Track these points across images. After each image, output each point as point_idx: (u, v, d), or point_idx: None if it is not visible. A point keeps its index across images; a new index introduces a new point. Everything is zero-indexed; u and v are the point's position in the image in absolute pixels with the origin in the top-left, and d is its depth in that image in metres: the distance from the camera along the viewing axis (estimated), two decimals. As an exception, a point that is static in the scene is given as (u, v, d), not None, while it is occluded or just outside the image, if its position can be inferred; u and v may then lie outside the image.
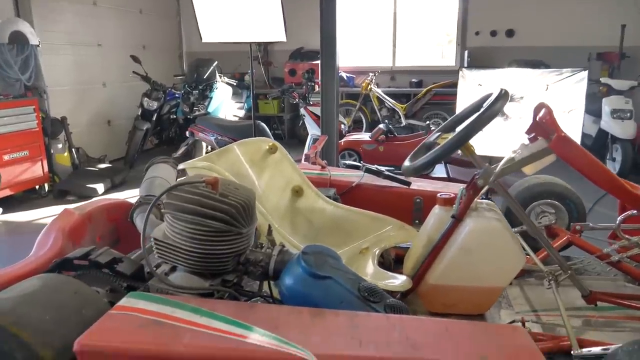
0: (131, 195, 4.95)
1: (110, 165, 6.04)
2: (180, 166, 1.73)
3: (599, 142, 5.87)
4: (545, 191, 2.46)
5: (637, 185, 1.86)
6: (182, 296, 1.27)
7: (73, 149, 5.59)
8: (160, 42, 7.97)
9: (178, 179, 1.85)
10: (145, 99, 6.39)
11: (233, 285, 1.40)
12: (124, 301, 1.18)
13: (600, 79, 6.18)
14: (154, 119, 6.48)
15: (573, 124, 3.96)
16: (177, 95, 6.85)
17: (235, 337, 1.06)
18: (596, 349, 1.47)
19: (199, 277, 1.38)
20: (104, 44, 6.66)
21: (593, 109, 5.82)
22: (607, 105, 5.61)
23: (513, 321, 1.73)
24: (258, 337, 1.07)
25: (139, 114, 6.43)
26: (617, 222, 2.08)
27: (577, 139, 4.07)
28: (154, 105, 6.41)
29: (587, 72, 3.93)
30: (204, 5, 3.95)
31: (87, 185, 5.17)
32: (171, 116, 6.89)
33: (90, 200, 2.05)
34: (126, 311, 1.14)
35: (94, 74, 6.52)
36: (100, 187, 5.20)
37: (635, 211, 2.00)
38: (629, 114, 5.47)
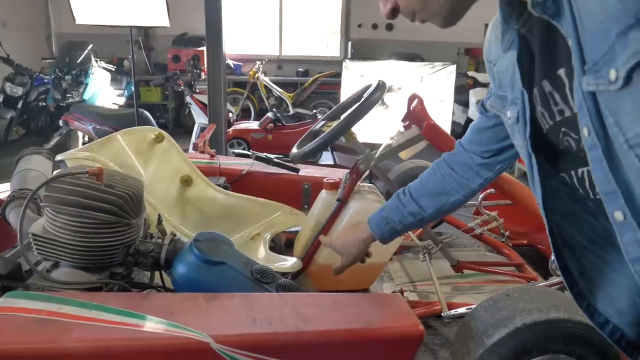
0: (-4, 191, 4.46)
1: (-33, 158, 5.38)
2: (59, 157, 1.63)
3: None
4: (420, 174, 2.69)
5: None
6: (68, 292, 1.22)
7: None
8: (24, 20, 7.18)
9: (56, 171, 1.74)
10: (8, 84, 5.75)
11: (123, 278, 1.38)
12: (2, 302, 1.11)
13: (468, 73, 6.84)
14: (19, 106, 5.86)
15: (444, 113, 4.33)
16: (46, 80, 6.24)
17: (130, 327, 1.06)
18: (461, 309, 1.69)
19: (85, 271, 1.33)
20: (-47, 21, 5.87)
21: (462, 100, 6.42)
22: (473, 96, 6.21)
23: (393, 292, 1.91)
24: (153, 325, 1.07)
25: (1, 100, 5.78)
26: (479, 199, 2.37)
27: (448, 126, 4.45)
28: (19, 91, 5.80)
29: (455, 66, 4.30)
30: (76, -18, 3.65)
31: (-61, 182, 4.56)
32: (40, 103, 6.28)
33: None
34: (5, 312, 1.07)
35: (-58, 54, 5.71)
36: (-44, 184, 4.61)
37: (493, 189, 2.29)
38: (490, 104, 6.11)
